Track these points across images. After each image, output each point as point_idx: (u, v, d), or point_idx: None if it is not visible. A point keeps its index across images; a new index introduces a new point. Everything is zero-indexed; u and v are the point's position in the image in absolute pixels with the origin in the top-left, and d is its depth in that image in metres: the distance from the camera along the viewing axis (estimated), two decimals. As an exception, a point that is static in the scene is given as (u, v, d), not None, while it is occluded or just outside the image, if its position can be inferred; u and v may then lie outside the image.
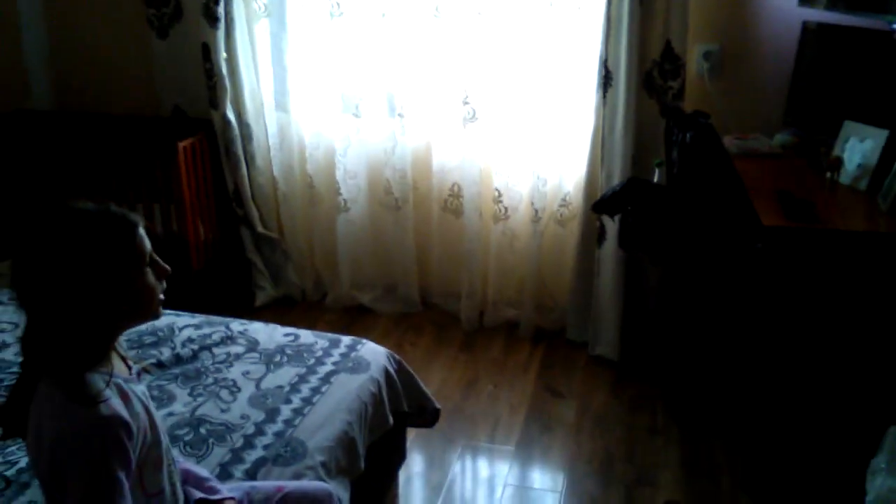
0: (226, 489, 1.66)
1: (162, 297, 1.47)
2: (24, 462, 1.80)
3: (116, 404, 1.35)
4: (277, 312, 3.56)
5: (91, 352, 1.40)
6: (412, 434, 2.62)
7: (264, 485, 1.74)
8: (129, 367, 1.51)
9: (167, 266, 1.46)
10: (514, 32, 3.17)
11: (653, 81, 3.01)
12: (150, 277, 1.42)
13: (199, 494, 1.60)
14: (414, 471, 2.60)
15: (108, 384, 1.36)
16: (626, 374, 3.15)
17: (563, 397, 3.02)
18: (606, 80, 3.01)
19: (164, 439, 1.48)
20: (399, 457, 2.49)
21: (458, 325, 3.53)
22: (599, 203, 2.69)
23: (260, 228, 3.68)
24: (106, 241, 1.36)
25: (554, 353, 3.32)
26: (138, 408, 1.41)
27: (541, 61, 3.16)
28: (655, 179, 2.83)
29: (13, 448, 1.86)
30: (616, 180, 3.03)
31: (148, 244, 1.43)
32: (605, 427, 2.83)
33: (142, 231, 1.42)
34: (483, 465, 2.66)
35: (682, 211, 2.48)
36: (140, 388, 1.47)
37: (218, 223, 3.67)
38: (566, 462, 2.65)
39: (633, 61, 2.94)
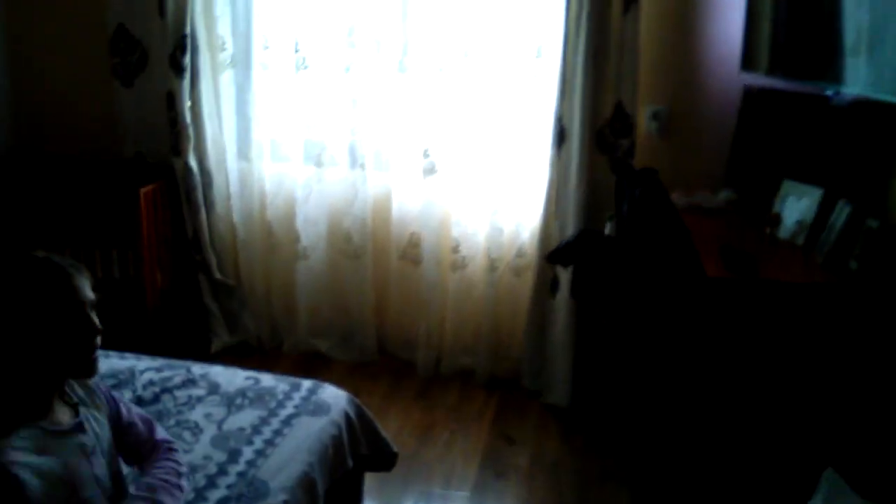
0: None
1: (96, 354, 1.52)
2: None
3: (13, 455, 1.38)
4: (233, 359, 3.55)
5: (18, 401, 1.45)
6: (368, 479, 2.64)
7: None
8: (78, 415, 1.54)
9: (99, 325, 1.50)
10: (474, 89, 3.30)
11: (604, 139, 3.16)
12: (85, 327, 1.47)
13: None
14: (371, 516, 2.62)
15: (8, 435, 1.40)
16: (578, 421, 3.22)
17: (517, 444, 3.07)
18: (561, 136, 3.14)
19: (97, 492, 1.51)
20: (356, 501, 2.50)
21: (414, 372, 3.58)
22: (553, 253, 2.79)
23: (217, 275, 3.70)
24: (38, 289, 1.42)
25: (508, 401, 3.38)
26: (59, 461, 1.44)
27: (499, 117, 3.29)
28: (607, 231, 2.95)
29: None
30: (570, 232, 3.14)
31: (87, 294, 1.48)
32: (558, 474, 2.89)
33: (79, 281, 1.47)
34: (439, 511, 2.69)
35: (631, 262, 2.59)
36: (81, 439, 1.51)
37: (175, 269, 3.69)
38: (521, 507, 2.70)
39: (586, 119, 3.09)
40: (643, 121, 3.21)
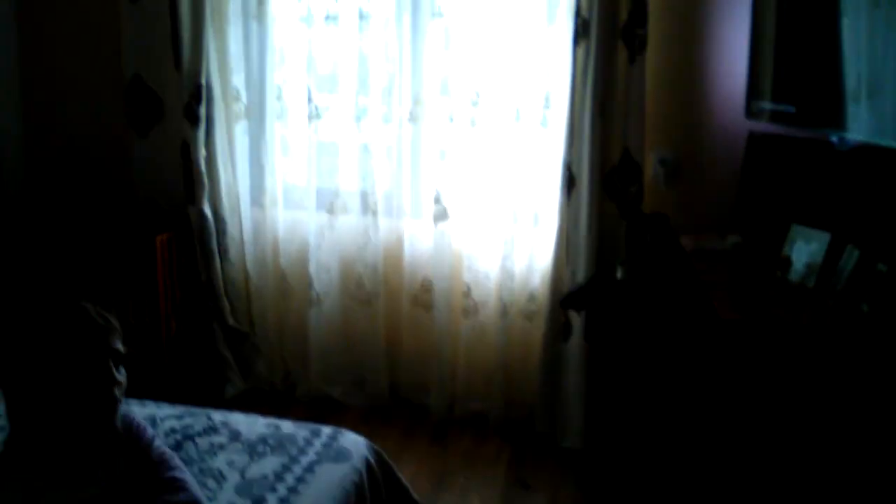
0: None
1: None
2: None
3: None
4: (247, 405, 3.56)
5: None
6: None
7: None
8: None
9: (120, 379, 1.67)
10: (484, 136, 3.38)
11: (613, 185, 3.22)
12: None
13: None
14: (389, 563, 2.61)
15: None
16: (593, 465, 3.23)
17: (533, 490, 3.07)
18: (570, 182, 3.20)
19: None
20: (375, 548, 2.51)
21: (427, 417, 3.59)
22: (566, 299, 2.84)
23: (231, 322, 3.74)
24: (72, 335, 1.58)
25: (523, 445, 3.39)
26: None
27: (508, 163, 3.36)
28: (618, 276, 2.99)
29: None
30: (580, 277, 3.19)
31: (116, 346, 1.65)
32: (574, 519, 2.90)
33: (112, 336, 1.64)
34: (457, 558, 2.69)
35: (643, 306, 2.63)
36: None
37: (189, 316, 3.72)
38: (538, 553, 2.69)
39: (594, 166, 3.15)
40: (650, 167, 3.28)
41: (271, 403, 3.67)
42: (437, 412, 3.57)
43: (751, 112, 3.08)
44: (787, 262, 2.75)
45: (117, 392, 1.65)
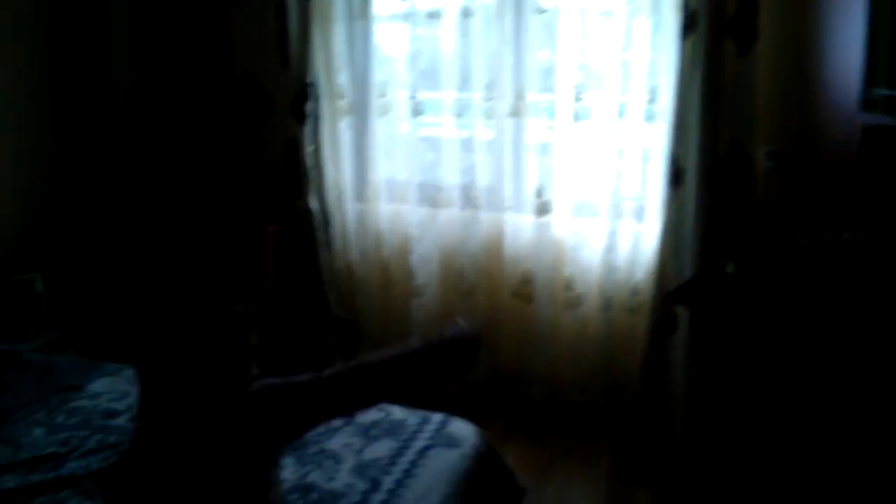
0: None
1: None
2: None
3: None
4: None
5: None
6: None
7: None
8: None
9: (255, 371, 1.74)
10: (588, 131, 3.37)
11: (721, 178, 3.16)
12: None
13: None
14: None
15: None
16: (697, 461, 3.19)
17: (638, 486, 3.06)
18: (676, 176, 3.17)
19: None
20: (482, 535, 2.55)
21: (528, 409, 3.61)
22: (675, 293, 2.81)
23: (336, 312, 3.85)
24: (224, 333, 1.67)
25: (625, 439, 3.37)
26: None
27: (612, 158, 3.34)
28: (728, 271, 2.95)
29: None
30: (686, 272, 3.15)
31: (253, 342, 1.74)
32: (682, 513, 2.87)
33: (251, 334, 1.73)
34: (562, 548, 2.70)
35: (757, 302, 2.59)
36: None
37: (296, 305, 3.84)
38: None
39: (702, 159, 3.11)
40: (760, 160, 3.21)
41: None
42: (539, 404, 3.59)
43: (866, 103, 2.98)
44: (908, 257, 2.65)
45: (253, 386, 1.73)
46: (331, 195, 3.77)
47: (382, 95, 3.66)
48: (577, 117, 3.37)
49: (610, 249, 3.39)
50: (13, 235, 3.64)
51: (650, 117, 3.28)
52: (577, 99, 3.35)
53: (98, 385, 2.71)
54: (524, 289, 3.60)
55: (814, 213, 3.16)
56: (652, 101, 3.26)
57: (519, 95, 3.43)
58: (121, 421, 2.45)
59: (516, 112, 3.46)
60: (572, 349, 3.54)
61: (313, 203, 3.74)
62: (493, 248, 3.64)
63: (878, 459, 2.42)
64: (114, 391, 2.66)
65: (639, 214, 3.38)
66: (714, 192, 3.17)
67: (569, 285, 3.49)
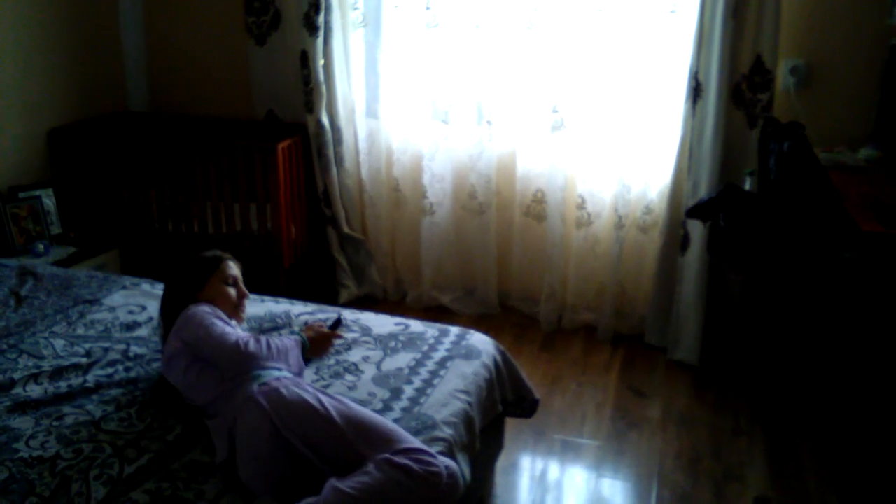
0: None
1: (243, 311, 2.27)
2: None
3: None
4: (361, 310, 3.68)
5: None
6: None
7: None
8: None
9: (246, 291, 2.28)
10: (606, 44, 3.30)
11: (742, 94, 3.11)
12: (229, 290, 2.21)
13: None
14: (509, 460, 2.71)
15: None
16: (707, 378, 3.24)
17: (647, 397, 3.11)
18: (696, 91, 3.11)
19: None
20: (498, 445, 2.60)
21: (536, 327, 3.65)
22: (695, 208, 2.79)
23: (346, 229, 3.84)
24: (202, 266, 2.22)
25: (633, 356, 3.42)
26: None
27: (630, 73, 3.28)
28: (747, 187, 2.93)
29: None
30: (703, 189, 3.13)
31: (233, 271, 2.25)
32: (690, 427, 2.92)
33: (228, 263, 2.25)
34: (574, 458, 2.75)
35: (776, 219, 2.57)
36: None
37: (306, 223, 3.84)
38: (655, 457, 2.74)
39: (723, 74, 3.05)
40: (781, 76, 3.15)
41: (384, 309, 3.76)
42: (547, 322, 3.62)
43: (894, 13, 2.91)
44: (930, 174, 2.64)
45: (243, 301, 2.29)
46: (342, 111, 3.72)
47: (397, 7, 3.56)
48: (594, 30, 3.28)
49: (624, 167, 3.35)
50: (20, 151, 3.61)
51: (671, 30, 3.20)
52: (599, 11, 3.26)
53: (116, 298, 2.72)
54: (536, 207, 3.59)
55: (831, 130, 3.12)
56: (673, 11, 3.17)
57: (536, 7, 3.35)
58: (143, 332, 2.47)
59: (532, 24, 3.37)
60: (582, 267, 3.55)
61: (324, 118, 3.69)
62: (506, 167, 3.62)
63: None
64: (132, 304, 2.67)
65: (655, 132, 3.34)
66: (733, 109, 3.13)
67: (581, 204, 3.47)
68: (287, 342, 2.12)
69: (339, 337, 2.36)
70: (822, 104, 3.17)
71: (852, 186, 2.70)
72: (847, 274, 2.44)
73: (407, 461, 1.74)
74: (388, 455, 1.76)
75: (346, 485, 1.70)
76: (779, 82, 3.14)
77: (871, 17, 3.03)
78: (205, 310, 2.10)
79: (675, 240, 3.30)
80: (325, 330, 2.35)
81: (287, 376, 2.01)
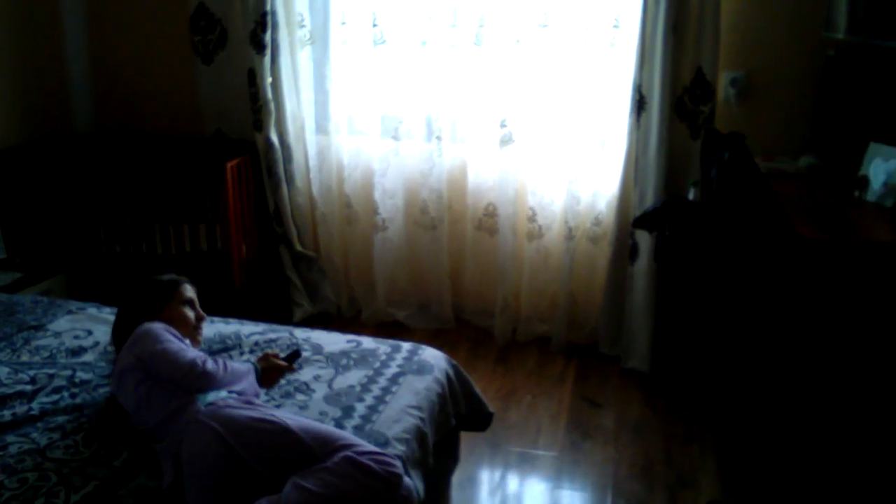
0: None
1: (200, 334, 2.25)
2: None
3: None
4: (311, 328, 3.66)
5: None
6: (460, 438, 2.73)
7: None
8: None
9: (204, 314, 2.27)
10: (551, 60, 3.34)
11: (684, 106, 3.18)
12: (188, 313, 2.20)
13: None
14: (466, 474, 2.71)
15: None
16: (658, 385, 3.28)
17: (600, 407, 3.14)
18: (640, 104, 3.17)
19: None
20: (453, 460, 2.60)
21: (491, 340, 3.66)
22: (640, 219, 2.84)
23: (298, 247, 3.82)
24: (160, 289, 2.21)
25: (587, 366, 3.45)
26: None
27: (575, 87, 3.33)
28: (691, 197, 2.99)
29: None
30: (649, 200, 3.18)
31: (191, 294, 2.25)
32: (643, 435, 2.95)
33: (185, 286, 2.24)
34: (530, 470, 2.76)
35: (719, 227, 2.63)
36: None
37: (258, 241, 3.81)
38: (610, 466, 2.76)
39: (666, 87, 3.11)
40: (721, 87, 3.22)
41: (339, 327, 3.76)
42: (501, 335, 3.63)
43: (828, 27, 2.99)
44: (865, 181, 2.72)
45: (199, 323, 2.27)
46: (291, 128, 3.70)
47: (343, 24, 3.57)
48: (540, 46, 3.33)
49: (573, 180, 3.40)
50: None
51: (614, 45, 3.26)
52: (542, 26, 3.31)
53: (61, 323, 2.67)
54: (488, 221, 3.61)
55: (772, 140, 3.21)
56: (616, 26, 3.23)
57: (482, 23, 3.38)
58: (89, 357, 2.42)
59: (479, 40, 3.41)
60: (534, 280, 3.58)
61: (273, 136, 3.67)
62: (457, 181, 3.63)
63: (845, 372, 2.51)
64: (78, 329, 2.62)
65: (602, 144, 3.39)
66: (676, 121, 3.19)
67: (532, 217, 3.50)
68: (241, 368, 2.10)
69: (293, 370, 2.28)
70: (762, 114, 3.26)
71: (794, 194, 2.77)
72: (788, 279, 2.50)
73: (368, 461, 1.78)
74: (349, 453, 1.78)
75: (308, 481, 1.72)
76: (720, 94, 3.22)
77: (807, 29, 3.12)
78: (160, 326, 2.07)
79: (624, 250, 3.35)
80: (280, 361, 2.24)
81: (234, 397, 1.99)
